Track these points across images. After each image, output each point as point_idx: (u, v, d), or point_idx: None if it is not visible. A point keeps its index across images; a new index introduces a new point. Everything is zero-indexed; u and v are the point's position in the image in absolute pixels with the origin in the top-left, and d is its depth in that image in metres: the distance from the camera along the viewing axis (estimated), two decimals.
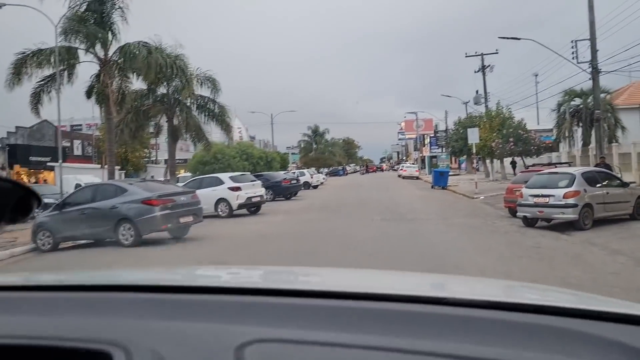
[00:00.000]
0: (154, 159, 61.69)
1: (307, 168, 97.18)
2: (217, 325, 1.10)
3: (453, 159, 69.86)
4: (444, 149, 67.77)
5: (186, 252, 12.39)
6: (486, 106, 41.39)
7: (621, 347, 1.01)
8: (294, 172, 41.93)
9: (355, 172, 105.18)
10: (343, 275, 2.11)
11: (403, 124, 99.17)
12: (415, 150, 79.24)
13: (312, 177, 40.62)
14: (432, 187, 35.31)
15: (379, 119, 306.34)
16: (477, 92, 42.88)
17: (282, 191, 28.31)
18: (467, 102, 66.59)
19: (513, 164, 49.67)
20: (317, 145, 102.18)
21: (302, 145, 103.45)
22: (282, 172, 35.02)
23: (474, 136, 27.54)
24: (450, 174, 37.92)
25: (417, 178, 54.89)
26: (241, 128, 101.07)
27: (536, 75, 47.98)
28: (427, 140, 76.97)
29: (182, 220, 13.58)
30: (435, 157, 61.64)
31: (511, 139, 30.13)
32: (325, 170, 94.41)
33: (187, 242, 13.67)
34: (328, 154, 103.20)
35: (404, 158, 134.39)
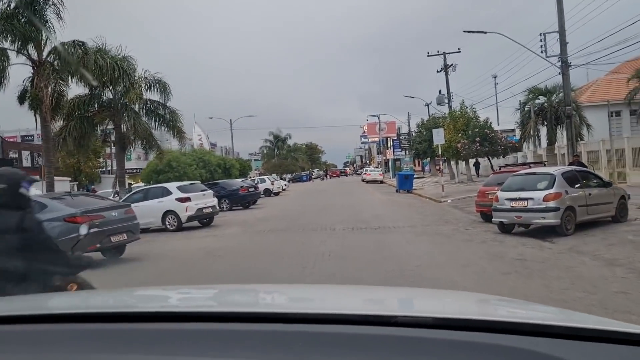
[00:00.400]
0: (110, 168, 58.90)
1: (270, 174, 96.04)
2: (155, 356, 1.08)
3: (417, 161, 69.25)
4: (407, 151, 67.04)
5: (117, 275, 10.55)
6: (450, 106, 40.45)
7: None
8: (253, 179, 40.13)
9: (318, 177, 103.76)
10: (291, 293, 2.08)
11: (365, 127, 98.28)
12: (378, 154, 78.20)
13: (273, 184, 38.84)
14: (397, 191, 34.13)
15: (342, 123, 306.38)
16: (440, 92, 41.99)
17: (240, 200, 26.52)
18: (430, 104, 66.01)
19: (476, 165, 49.11)
20: (279, 151, 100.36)
21: (264, 152, 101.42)
22: (240, 180, 33.12)
23: (439, 137, 26.37)
24: (415, 177, 36.77)
25: (381, 182, 53.78)
26: (201, 135, 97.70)
27: (495, 77, 47.51)
28: (390, 143, 76.25)
29: (113, 239, 11.70)
30: (398, 160, 60.71)
31: (477, 139, 29.10)
32: (289, 176, 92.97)
33: (122, 264, 11.82)
34: (291, 159, 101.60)
35: (367, 162, 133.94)
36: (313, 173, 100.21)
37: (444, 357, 1.03)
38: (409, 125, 67.06)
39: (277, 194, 40.03)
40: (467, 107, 37.51)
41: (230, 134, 64.57)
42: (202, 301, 1.93)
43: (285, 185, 48.83)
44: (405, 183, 33.39)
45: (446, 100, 40.71)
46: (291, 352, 1.05)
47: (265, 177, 39.92)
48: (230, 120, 63.73)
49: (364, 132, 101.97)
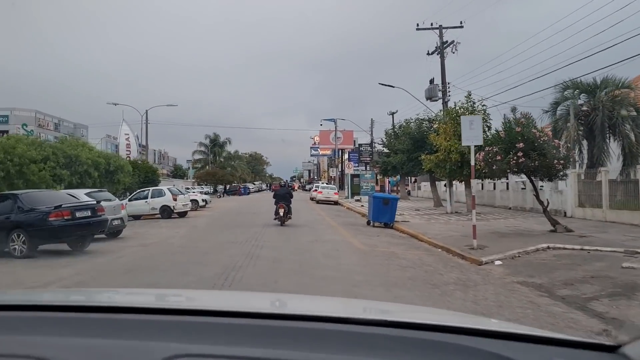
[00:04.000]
0: None
1: (201, 184, 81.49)
2: (140, 342, 1.15)
3: (377, 180, 57.11)
4: (367, 166, 54.70)
5: None
6: (445, 102, 28.17)
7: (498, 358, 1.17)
8: (144, 190, 26.36)
9: (260, 190, 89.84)
10: (262, 298, 2.43)
11: (317, 137, 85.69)
12: (332, 167, 65.35)
13: (175, 199, 25.18)
14: (369, 223, 21.41)
15: (289, 136, 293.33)
16: (431, 81, 29.52)
17: (52, 235, 12.50)
18: (394, 113, 54.33)
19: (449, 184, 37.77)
20: (216, 158, 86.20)
21: (196, 157, 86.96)
22: (102, 192, 19.02)
23: (472, 134, 13.47)
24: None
25: (336, 203, 40.96)
26: (129, 135, 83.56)
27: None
28: (345, 157, 63.73)
29: None
30: (357, 176, 48.17)
31: (519, 146, 16.51)
32: (222, 188, 78.94)
33: None
34: (230, 169, 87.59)
35: (315, 177, 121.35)
36: (252, 186, 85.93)
37: (392, 350, 1.16)
38: (371, 134, 54.95)
39: (184, 214, 26.35)
40: (474, 102, 25.26)
41: (145, 127, 50.10)
42: (188, 299, 2.13)
43: (204, 200, 35.10)
44: (383, 211, 20.60)
45: (440, 94, 28.37)
46: (267, 342, 1.18)
47: (163, 188, 26.13)
48: (146, 111, 49.36)
49: (315, 142, 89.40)
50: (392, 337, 1.23)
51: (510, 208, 28.84)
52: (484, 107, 25.38)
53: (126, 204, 25.23)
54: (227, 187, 77.88)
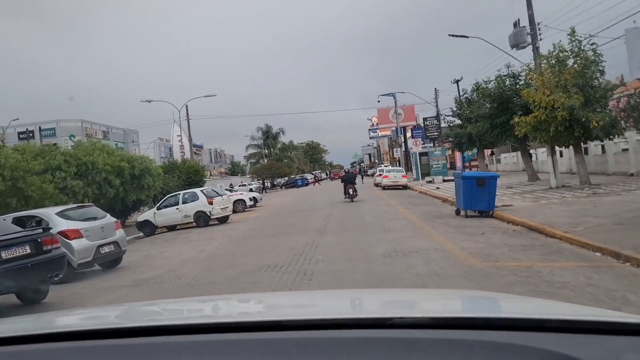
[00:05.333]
0: None
1: (258, 179, 77.56)
2: None
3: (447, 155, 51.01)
4: (435, 142, 48.68)
5: None
6: (536, 49, 22.07)
7: (561, 358, 1.03)
8: (174, 195, 21.83)
9: (320, 180, 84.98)
10: (286, 301, 2.19)
11: (374, 118, 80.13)
12: (399, 147, 59.31)
13: (211, 203, 20.51)
14: (459, 212, 16.08)
15: (345, 122, 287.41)
16: (515, 24, 23.35)
17: None
18: (459, 80, 47.98)
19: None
20: (271, 150, 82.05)
21: (251, 152, 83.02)
22: (57, 210, 13.94)
23: None
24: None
25: (405, 187, 35.45)
26: (181, 135, 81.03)
27: None
28: (408, 134, 57.79)
29: None
30: (425, 154, 42.31)
31: None
32: (282, 181, 74.68)
33: None
34: (286, 160, 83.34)
35: (377, 161, 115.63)
36: (309, 177, 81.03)
37: (441, 357, 1.04)
38: (436, 105, 48.72)
39: (223, 219, 21.72)
40: (579, 40, 19.13)
41: (187, 123, 46.09)
42: (196, 313, 1.95)
43: (253, 199, 30.40)
44: (477, 196, 15.14)
45: (529, 38, 22.28)
46: (290, 357, 1.06)
47: (196, 191, 21.44)
48: (186, 106, 45.25)
49: (372, 124, 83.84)
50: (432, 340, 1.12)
51: (632, 174, 22.53)
52: (594, 47, 19.22)
53: (154, 212, 20.92)
54: (286, 179, 73.62)
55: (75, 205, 12.26)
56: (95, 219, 11.54)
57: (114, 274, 11.46)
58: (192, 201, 20.89)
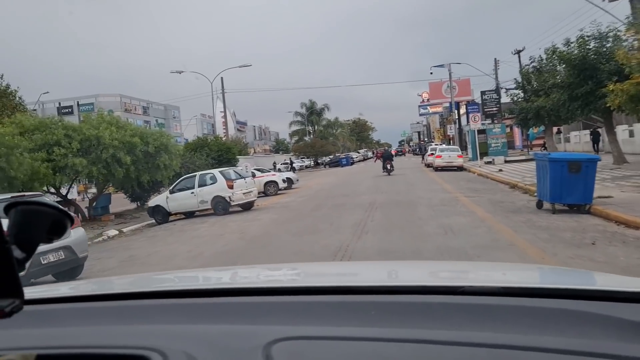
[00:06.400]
0: None
1: (301, 157, 74.32)
2: (244, 326, 1.14)
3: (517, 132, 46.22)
4: (493, 118, 44.03)
5: None
6: None
7: (637, 327, 1.03)
8: (190, 177, 18.61)
9: (365, 159, 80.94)
10: (359, 269, 2.24)
11: (425, 93, 75.35)
12: (452, 123, 54.30)
13: (231, 187, 17.19)
14: (541, 204, 12.29)
15: (394, 100, 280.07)
16: None
17: None
18: (520, 51, 43.07)
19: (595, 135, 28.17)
20: (314, 128, 78.55)
21: (294, 129, 79.64)
22: None
23: None
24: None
25: (460, 168, 31.35)
26: (224, 112, 78.64)
27: None
28: (462, 110, 53.02)
29: None
30: (483, 131, 37.85)
31: None
32: (327, 159, 71.12)
33: None
34: (331, 138, 79.76)
35: (426, 139, 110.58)
36: (355, 155, 77.06)
37: (514, 323, 1.05)
38: (496, 77, 43.94)
39: (247, 206, 18.47)
40: None
41: (223, 97, 43.14)
42: (289, 277, 2.03)
43: (287, 180, 26.95)
44: (569, 184, 11.28)
45: None
46: (368, 319, 1.10)
47: (214, 172, 18.09)
48: (221, 78, 42.18)
49: (423, 100, 79.05)
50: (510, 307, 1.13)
51: None
52: None
53: (167, 197, 17.85)
54: (330, 158, 70.02)
55: (9, 196, 9.04)
56: None
57: None
58: (210, 184, 17.66)
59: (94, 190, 27.86)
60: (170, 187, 18.46)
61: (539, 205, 12.38)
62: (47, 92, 46.64)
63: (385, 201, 16.55)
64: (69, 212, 0.89)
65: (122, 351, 1.07)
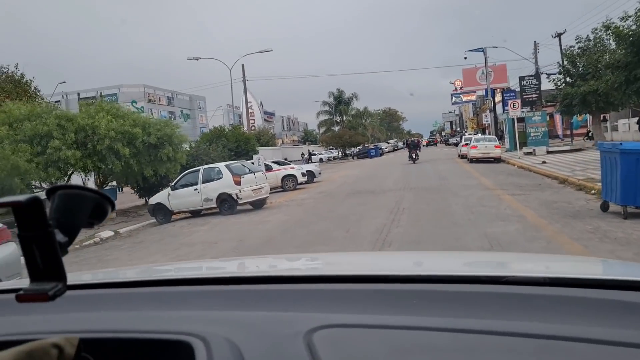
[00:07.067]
0: None
1: (330, 148, 72.11)
2: (284, 313, 1.14)
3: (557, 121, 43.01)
4: (533, 106, 41.03)
5: None
6: None
7: None
8: (193, 171, 16.62)
9: (395, 149, 78.30)
10: (399, 258, 2.17)
11: (458, 81, 72.34)
12: (488, 111, 50.95)
13: (239, 183, 15.14)
14: (606, 206, 9.93)
15: (425, 89, 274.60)
16: None
17: None
18: (562, 34, 39.90)
19: None
20: (342, 118, 76.20)
21: (322, 119, 77.31)
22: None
23: None
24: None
25: (497, 159, 28.71)
26: (252, 102, 77.10)
27: None
28: (497, 98, 49.93)
29: None
30: (522, 119, 34.99)
31: None
32: (355, 150, 68.66)
33: None
34: (360, 128, 77.31)
35: (459, 129, 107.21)
36: (384, 146, 74.46)
37: (557, 312, 1.04)
38: (535, 62, 40.80)
39: (259, 204, 16.44)
40: None
41: (244, 85, 41.19)
42: (329, 265, 2.00)
43: (308, 173, 24.79)
44: None
45: None
46: (408, 308, 1.10)
47: (220, 166, 15.99)
48: (242, 65, 40.11)
49: (456, 88, 76.07)
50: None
51: None
52: None
53: (169, 194, 15.99)
54: (358, 149, 67.57)
55: None
56: None
57: None
58: (215, 179, 15.66)
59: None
60: (173, 183, 16.53)
61: (604, 207, 10.01)
62: (64, 82, 45.35)
63: (414, 199, 14.30)
64: (109, 197, 0.87)
65: (164, 336, 1.07)
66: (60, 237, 0.76)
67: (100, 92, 59.90)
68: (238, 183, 15.26)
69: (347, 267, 1.85)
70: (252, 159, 24.63)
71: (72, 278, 0.84)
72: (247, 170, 16.10)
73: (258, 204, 16.30)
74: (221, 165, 15.99)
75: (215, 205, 15.71)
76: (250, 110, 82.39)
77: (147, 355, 1.06)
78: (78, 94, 59.58)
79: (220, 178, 15.51)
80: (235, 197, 15.23)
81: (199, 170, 16.20)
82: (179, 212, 16.49)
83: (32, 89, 32.91)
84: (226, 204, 15.39)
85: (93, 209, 0.84)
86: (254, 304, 1.21)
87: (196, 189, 15.75)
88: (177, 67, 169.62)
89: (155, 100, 65.10)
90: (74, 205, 0.82)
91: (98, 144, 16.42)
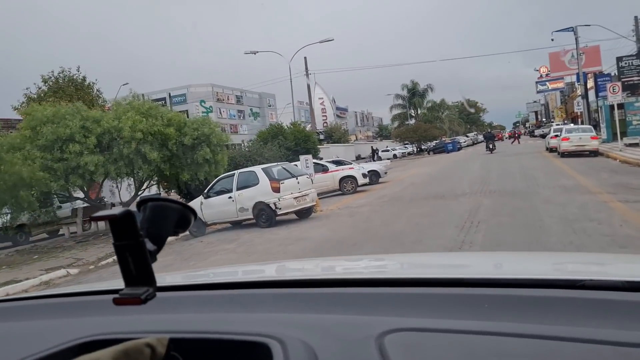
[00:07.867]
0: None
1: (405, 143, 68.65)
2: (357, 316, 1.14)
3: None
4: (633, 90, 35.98)
5: None
6: None
7: None
8: (228, 176, 14.34)
9: (474, 143, 73.54)
10: (471, 261, 2.14)
11: (543, 68, 66.78)
12: (580, 97, 45.55)
13: (277, 190, 12.68)
14: None
15: (507, 80, 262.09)
16: None
17: None
18: None
19: None
20: (416, 111, 72.48)
21: (395, 113, 73.81)
22: None
23: None
24: None
25: (595, 153, 24.62)
26: (323, 98, 75.15)
27: None
28: (590, 84, 44.65)
29: None
30: (621, 106, 30.42)
31: None
32: (432, 144, 64.86)
33: None
34: (436, 121, 73.32)
35: (544, 120, 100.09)
36: (463, 140, 69.98)
37: (637, 318, 1.00)
38: (637, 39, 35.69)
39: (305, 213, 13.90)
40: None
41: (307, 77, 38.89)
42: (400, 268, 1.97)
43: (370, 174, 21.92)
44: None
45: None
46: (482, 312, 1.08)
47: (256, 170, 13.50)
48: (305, 58, 37.72)
49: (541, 75, 70.29)
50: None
51: None
52: None
53: (201, 202, 13.88)
54: (434, 143, 63.71)
55: None
56: None
57: None
58: (251, 186, 13.30)
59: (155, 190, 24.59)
60: (206, 190, 14.34)
61: None
62: (127, 84, 44.90)
63: (492, 209, 11.27)
64: (191, 207, 0.94)
65: (244, 337, 1.09)
66: (149, 245, 0.81)
67: (169, 93, 59.74)
68: (277, 190, 12.79)
69: (419, 270, 1.78)
70: (315, 158, 22.23)
71: (159, 280, 0.86)
72: (289, 175, 13.59)
73: (304, 214, 13.78)
74: (257, 169, 13.53)
75: (252, 216, 13.36)
76: (322, 107, 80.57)
77: (227, 355, 1.08)
78: (142, 95, 59.65)
79: (257, 184, 13.12)
80: (274, 207, 12.77)
81: (233, 175, 13.88)
82: (218, 223, 14.32)
83: (95, 91, 32.32)
84: (263, 214, 12.98)
85: (178, 219, 0.88)
86: (328, 306, 1.21)
87: (230, 197, 13.45)
88: (246, 66, 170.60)
89: (223, 99, 64.30)
90: (162, 216, 0.86)
91: (125, 148, 14.53)
